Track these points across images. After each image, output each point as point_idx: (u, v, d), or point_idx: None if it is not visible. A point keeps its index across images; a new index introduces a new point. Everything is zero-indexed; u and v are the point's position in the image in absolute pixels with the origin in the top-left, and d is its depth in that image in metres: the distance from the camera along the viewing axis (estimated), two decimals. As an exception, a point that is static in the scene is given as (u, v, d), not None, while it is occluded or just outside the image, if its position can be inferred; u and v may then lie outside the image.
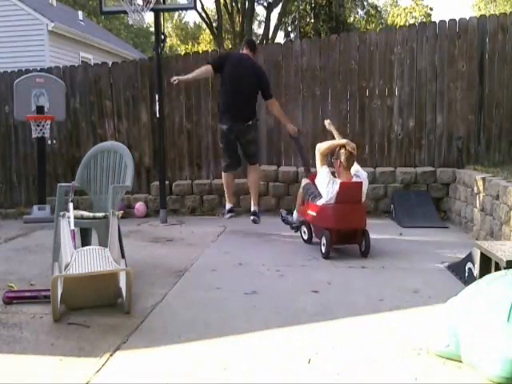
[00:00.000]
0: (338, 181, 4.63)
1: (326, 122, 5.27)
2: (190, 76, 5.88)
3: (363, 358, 2.57)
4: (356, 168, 4.83)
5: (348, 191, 4.61)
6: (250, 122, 5.63)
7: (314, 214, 4.82)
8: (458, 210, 6.15)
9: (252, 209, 5.74)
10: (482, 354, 2.32)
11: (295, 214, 5.36)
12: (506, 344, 2.23)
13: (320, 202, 4.74)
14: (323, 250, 4.62)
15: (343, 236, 4.68)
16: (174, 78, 5.86)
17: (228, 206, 5.94)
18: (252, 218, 5.69)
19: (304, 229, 5.22)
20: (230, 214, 5.91)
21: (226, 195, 5.99)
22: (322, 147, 4.80)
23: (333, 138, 5.06)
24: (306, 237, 5.20)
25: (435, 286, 3.73)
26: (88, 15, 25.96)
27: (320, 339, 2.81)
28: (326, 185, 4.63)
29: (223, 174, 5.90)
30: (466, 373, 2.39)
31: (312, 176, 5.14)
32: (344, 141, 4.79)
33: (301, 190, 5.21)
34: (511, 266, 3.07)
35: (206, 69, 5.73)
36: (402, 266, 4.32)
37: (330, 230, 4.59)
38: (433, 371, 2.43)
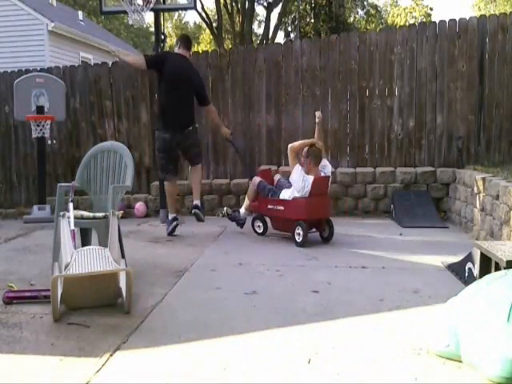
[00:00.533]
0: (310, 177, 5.10)
1: (318, 114, 5.43)
2: (128, 57, 5.99)
3: (363, 358, 2.57)
4: (323, 163, 5.32)
5: (319, 186, 5.15)
6: (190, 128, 5.59)
7: (282, 207, 5.25)
8: (458, 210, 6.15)
9: (194, 203, 5.64)
10: (482, 354, 2.32)
11: (243, 210, 5.64)
12: (506, 344, 2.23)
13: (289, 196, 5.21)
14: (299, 240, 5.07)
15: (312, 225, 5.21)
16: (115, 49, 6.04)
17: (171, 215, 5.72)
18: (194, 211, 5.58)
19: (258, 223, 5.61)
20: (175, 223, 5.62)
21: (169, 204, 5.81)
22: (294, 145, 5.29)
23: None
24: (260, 230, 5.60)
25: (435, 286, 3.73)
26: (88, 15, 25.98)
27: (320, 339, 2.81)
28: (301, 181, 5.09)
29: (166, 183, 5.78)
30: (466, 373, 2.39)
31: (262, 174, 5.72)
32: (314, 140, 5.33)
33: (253, 187, 5.54)
34: (511, 266, 3.07)
35: (140, 59, 5.79)
36: (401, 266, 4.32)
37: (304, 220, 5.05)
38: (433, 371, 2.43)
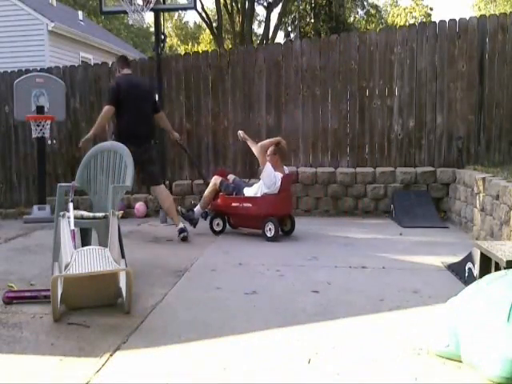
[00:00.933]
0: (279, 174, 5.35)
1: (240, 133, 5.72)
2: (97, 127, 5.46)
3: (363, 358, 2.57)
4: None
5: (286, 182, 5.45)
6: (151, 143, 5.54)
7: (250, 204, 5.42)
8: (458, 210, 6.15)
9: (178, 227, 5.40)
10: (482, 354, 2.32)
11: (198, 209, 5.71)
12: (506, 344, 2.23)
13: (256, 193, 5.42)
14: (270, 235, 5.29)
15: (279, 220, 5.42)
16: (81, 143, 5.47)
17: None
18: (181, 235, 5.35)
19: (217, 221, 5.72)
20: None
21: None
22: (264, 144, 5.46)
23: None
24: (219, 228, 5.73)
25: (435, 286, 3.73)
26: (88, 15, 25.98)
27: (320, 339, 2.81)
28: (273, 177, 5.29)
29: None
30: (466, 373, 2.39)
31: (220, 173, 5.85)
32: (279, 138, 5.58)
33: (214, 186, 5.64)
34: (511, 266, 3.07)
35: (109, 110, 5.39)
36: (402, 266, 4.32)
37: (275, 216, 5.31)
38: (433, 371, 2.43)
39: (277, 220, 5.31)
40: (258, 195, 5.43)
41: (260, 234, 5.59)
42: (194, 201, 5.98)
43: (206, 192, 5.73)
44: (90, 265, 3.13)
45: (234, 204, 5.52)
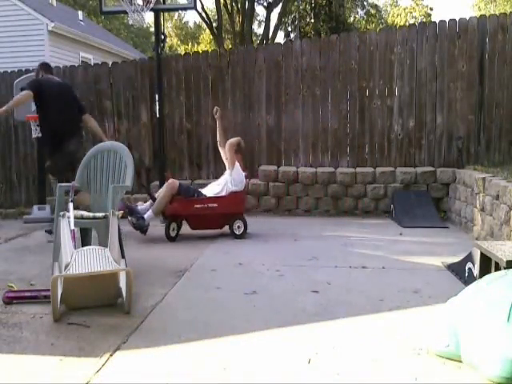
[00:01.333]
0: (242, 172, 5.58)
1: (217, 110, 5.87)
2: (11, 106, 5.43)
3: (363, 358, 2.57)
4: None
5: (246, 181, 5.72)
6: (80, 141, 5.53)
7: (216, 204, 5.43)
8: (458, 210, 6.15)
9: None
10: (482, 354, 2.32)
11: (150, 215, 5.38)
12: (506, 344, 2.23)
13: (218, 193, 5.49)
14: (239, 232, 5.47)
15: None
16: None
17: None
18: None
19: (173, 226, 5.47)
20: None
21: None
22: (233, 143, 5.53)
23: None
24: (174, 234, 5.47)
25: (435, 286, 3.73)
26: (88, 15, 25.96)
27: (320, 339, 2.81)
28: (241, 175, 5.52)
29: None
30: (466, 373, 2.39)
31: (170, 176, 5.94)
32: (239, 138, 5.69)
33: (172, 191, 5.38)
34: (511, 266, 3.07)
35: (27, 95, 5.32)
36: (402, 266, 4.32)
37: (242, 213, 5.54)
38: (433, 371, 2.43)
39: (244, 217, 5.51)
40: (223, 194, 5.48)
41: (260, 234, 5.60)
42: (128, 201, 5.88)
43: (161, 197, 5.41)
44: (90, 265, 3.13)
45: (196, 206, 5.38)
